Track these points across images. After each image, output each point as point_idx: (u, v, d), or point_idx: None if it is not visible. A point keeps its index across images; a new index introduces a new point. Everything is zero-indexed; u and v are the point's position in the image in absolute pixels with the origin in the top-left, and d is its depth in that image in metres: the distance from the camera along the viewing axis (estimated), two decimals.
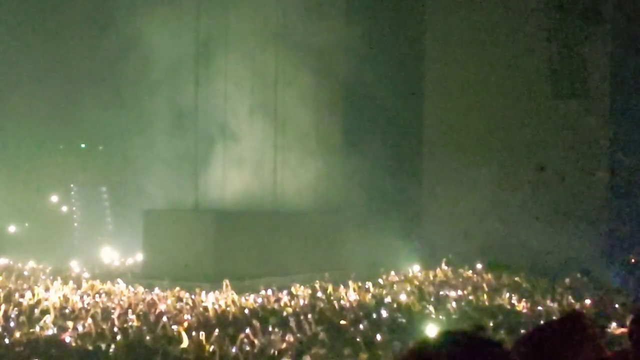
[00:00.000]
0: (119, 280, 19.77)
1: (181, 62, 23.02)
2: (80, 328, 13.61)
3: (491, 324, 13.73)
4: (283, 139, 23.41)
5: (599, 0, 24.52)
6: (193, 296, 17.27)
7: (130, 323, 14.12)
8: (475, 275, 20.78)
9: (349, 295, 17.59)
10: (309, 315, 14.40)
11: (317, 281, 19.02)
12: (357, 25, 24.38)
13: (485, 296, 17.26)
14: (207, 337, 12.48)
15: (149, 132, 23.58)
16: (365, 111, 25.72)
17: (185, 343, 12.39)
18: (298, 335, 12.81)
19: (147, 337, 12.87)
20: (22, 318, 14.48)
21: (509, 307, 16.18)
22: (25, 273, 21.46)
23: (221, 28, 22.44)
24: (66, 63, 27.46)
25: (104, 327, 13.67)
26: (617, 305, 15.47)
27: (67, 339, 12.83)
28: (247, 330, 12.82)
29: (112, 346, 12.41)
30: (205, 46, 22.46)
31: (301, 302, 16.66)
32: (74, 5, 26.99)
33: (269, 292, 17.81)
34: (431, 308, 15.49)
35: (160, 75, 23.49)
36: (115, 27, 25.80)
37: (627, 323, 3.34)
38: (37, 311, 15.04)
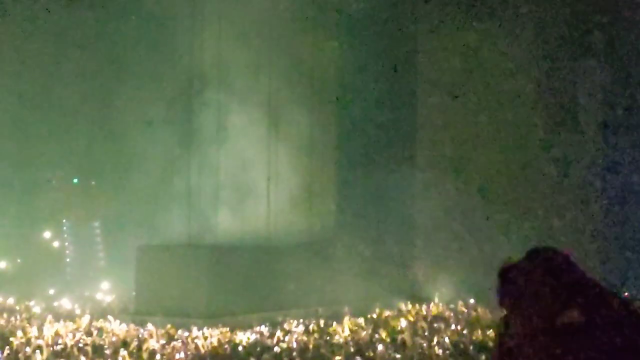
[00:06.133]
0: (111, 316, 19.68)
1: (174, 97, 23.10)
2: None
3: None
4: (276, 172, 23.42)
5: (591, 32, 24.82)
6: (186, 333, 17.20)
7: None
8: (467, 310, 20.73)
9: (343, 331, 17.53)
10: (303, 352, 14.36)
11: (312, 318, 18.97)
12: (349, 36, 24.58)
13: (479, 331, 17.21)
14: None
15: (142, 167, 23.59)
16: (359, 143, 25.79)
17: None
18: None
19: None
20: (13, 356, 14.39)
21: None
22: (17, 308, 21.37)
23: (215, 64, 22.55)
24: (57, 95, 27.46)
25: None
26: None
27: None
28: None
29: None
30: (201, 80, 22.54)
31: (295, 338, 16.60)
32: (64, 34, 26.95)
33: (263, 328, 17.74)
34: (425, 344, 15.43)
35: (152, 109, 23.57)
36: (107, 57, 25.96)
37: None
38: (28, 349, 14.94)
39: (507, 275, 3.09)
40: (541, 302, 2.87)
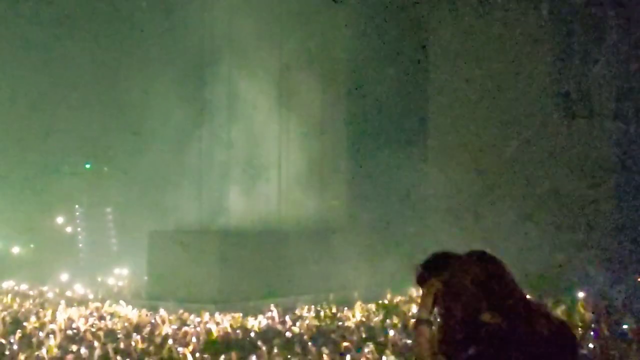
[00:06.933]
0: (123, 301, 19.78)
1: (184, 79, 23.06)
2: (84, 350, 13.57)
3: None
4: (287, 159, 23.42)
5: (603, 20, 24.64)
6: (198, 318, 17.25)
7: (135, 345, 14.08)
8: None
9: (354, 316, 17.55)
10: (314, 337, 14.38)
11: (322, 302, 19.00)
12: (360, 31, 24.44)
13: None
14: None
15: (154, 152, 23.60)
16: (369, 129, 25.74)
17: None
18: (304, 357, 12.76)
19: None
20: (27, 341, 14.46)
21: None
22: (31, 293, 21.50)
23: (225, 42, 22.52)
24: (69, 84, 27.47)
25: (109, 349, 13.62)
26: (625, 327, 15.36)
27: None
28: (252, 353, 12.78)
29: None
30: (211, 66, 22.51)
31: (306, 323, 16.61)
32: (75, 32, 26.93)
33: (274, 313, 17.77)
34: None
35: (163, 94, 23.55)
36: (118, 42, 25.92)
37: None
38: (41, 334, 15.01)
39: (440, 262, 3.33)
40: (469, 298, 2.99)
